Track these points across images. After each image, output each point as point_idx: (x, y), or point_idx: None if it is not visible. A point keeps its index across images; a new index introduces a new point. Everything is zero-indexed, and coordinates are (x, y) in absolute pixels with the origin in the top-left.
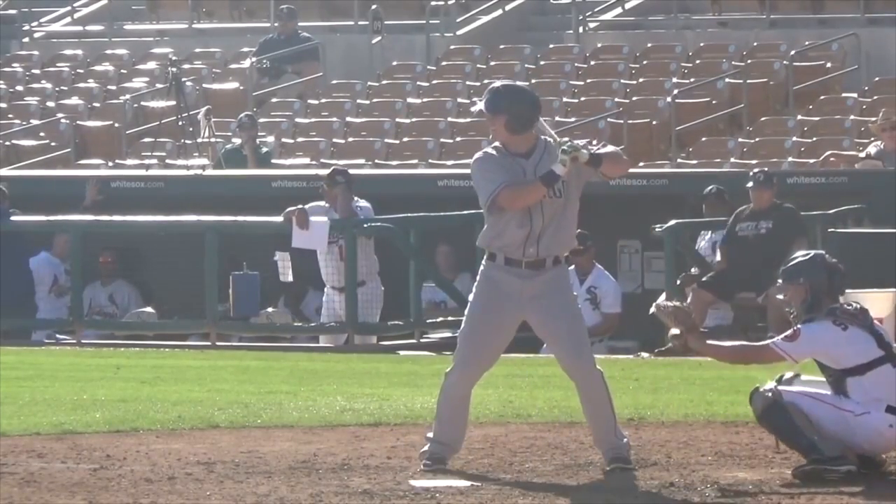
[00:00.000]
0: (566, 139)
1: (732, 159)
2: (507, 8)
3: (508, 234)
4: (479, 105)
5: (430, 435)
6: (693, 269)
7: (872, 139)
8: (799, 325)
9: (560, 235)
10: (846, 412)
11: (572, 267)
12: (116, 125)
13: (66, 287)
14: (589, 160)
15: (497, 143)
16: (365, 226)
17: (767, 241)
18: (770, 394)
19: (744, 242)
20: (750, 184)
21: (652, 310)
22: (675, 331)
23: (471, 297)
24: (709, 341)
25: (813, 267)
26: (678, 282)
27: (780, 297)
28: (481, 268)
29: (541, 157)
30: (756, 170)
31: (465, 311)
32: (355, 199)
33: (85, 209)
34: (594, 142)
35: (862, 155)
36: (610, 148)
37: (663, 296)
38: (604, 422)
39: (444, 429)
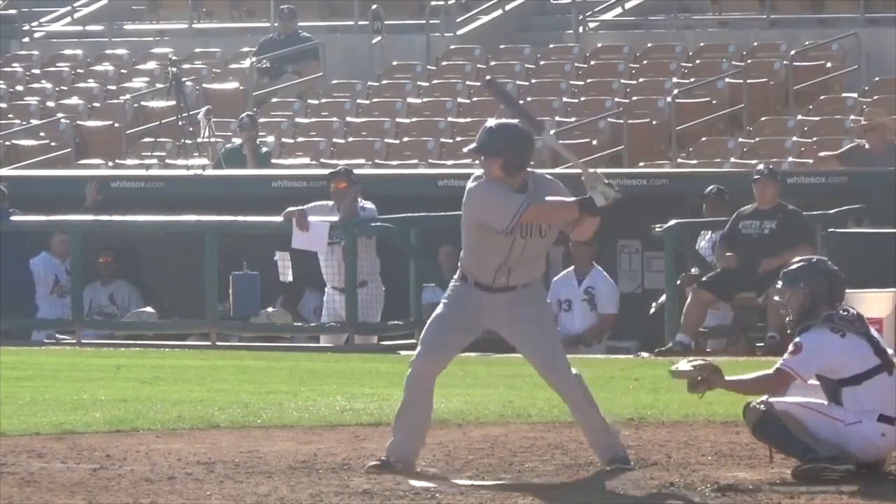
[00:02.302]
0: (594, 170)
1: (732, 159)
2: (507, 8)
3: (482, 262)
4: (473, 145)
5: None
6: (693, 269)
7: (855, 140)
8: (798, 338)
9: (530, 267)
10: (837, 421)
11: (571, 268)
12: (116, 125)
13: (68, 287)
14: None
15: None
16: (365, 226)
17: (770, 241)
18: (762, 406)
19: (747, 241)
20: (756, 177)
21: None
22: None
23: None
24: (728, 378)
25: (814, 273)
26: (678, 282)
27: (777, 298)
28: (452, 282)
29: (533, 192)
30: (760, 165)
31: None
32: (360, 200)
33: (86, 210)
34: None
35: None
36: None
37: (680, 363)
38: (594, 422)
39: (402, 428)
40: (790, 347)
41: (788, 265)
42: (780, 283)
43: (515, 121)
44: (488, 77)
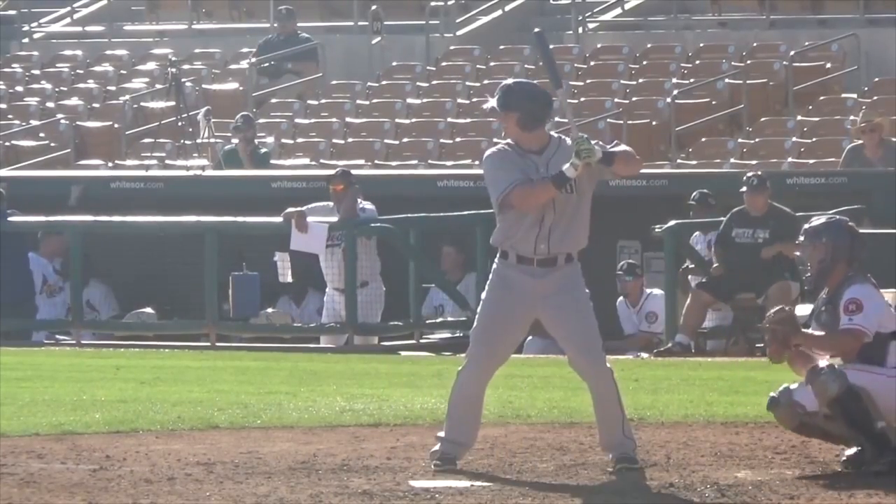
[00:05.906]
0: (582, 135)
1: (732, 160)
2: (507, 8)
3: (520, 231)
4: (492, 102)
5: (441, 434)
6: (688, 264)
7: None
8: (850, 295)
9: (572, 232)
10: (891, 378)
11: (621, 299)
12: (116, 126)
13: (57, 287)
14: (601, 159)
15: (510, 140)
16: (365, 226)
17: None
18: (838, 373)
19: (741, 248)
20: (743, 189)
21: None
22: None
23: (483, 295)
24: (805, 331)
25: (838, 229)
26: (680, 270)
27: (798, 254)
28: (494, 266)
29: (553, 154)
30: (749, 174)
31: (478, 310)
32: (360, 201)
33: (71, 208)
34: (600, 142)
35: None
36: (622, 147)
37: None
38: (613, 421)
39: (456, 427)
40: (849, 306)
41: (810, 222)
42: (801, 238)
43: (533, 81)
44: (538, 29)
